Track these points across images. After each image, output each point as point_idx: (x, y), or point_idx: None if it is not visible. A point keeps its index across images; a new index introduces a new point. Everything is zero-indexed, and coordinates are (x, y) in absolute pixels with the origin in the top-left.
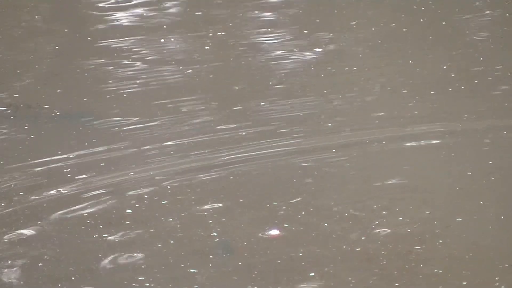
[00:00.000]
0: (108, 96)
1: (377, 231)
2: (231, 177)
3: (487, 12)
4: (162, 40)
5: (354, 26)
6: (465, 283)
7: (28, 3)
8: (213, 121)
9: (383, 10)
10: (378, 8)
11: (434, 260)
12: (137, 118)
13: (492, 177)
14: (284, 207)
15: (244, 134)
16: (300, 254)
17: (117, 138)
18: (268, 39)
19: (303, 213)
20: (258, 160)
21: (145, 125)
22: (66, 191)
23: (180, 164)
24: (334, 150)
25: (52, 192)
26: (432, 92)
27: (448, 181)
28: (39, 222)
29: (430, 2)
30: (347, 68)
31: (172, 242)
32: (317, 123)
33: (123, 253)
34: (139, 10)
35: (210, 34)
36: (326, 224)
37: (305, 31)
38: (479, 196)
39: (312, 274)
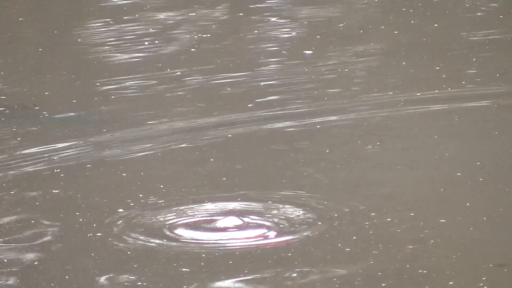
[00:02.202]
0: (96, 98)
1: (368, 232)
2: (225, 178)
3: (479, 14)
4: (147, 43)
5: (341, 28)
6: (451, 283)
7: (14, 5)
8: (202, 124)
9: (372, 12)
10: (366, 11)
11: (421, 261)
12: (125, 120)
13: (480, 178)
14: (280, 207)
15: (230, 135)
16: (290, 254)
17: (106, 139)
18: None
19: (297, 212)
20: (253, 159)
21: (135, 126)
22: (58, 191)
23: (174, 164)
24: (327, 150)
25: (45, 192)
26: (418, 94)
27: (439, 182)
28: (32, 221)
29: (420, 4)
30: (339, 70)
31: (165, 241)
32: (308, 128)
33: (115, 252)
34: (126, 12)
35: (196, 37)
36: (319, 223)
37: (293, 33)
38: (466, 197)
39: (295, 275)
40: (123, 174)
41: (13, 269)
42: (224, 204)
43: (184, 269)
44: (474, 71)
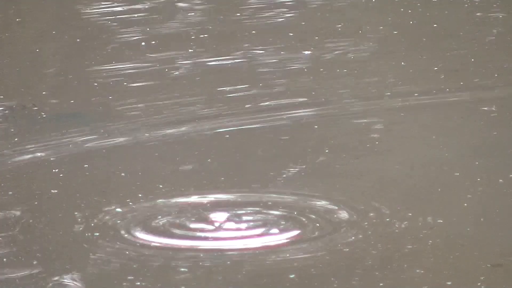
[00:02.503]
0: (93, 98)
1: (366, 232)
2: (222, 178)
3: (478, 14)
4: (143, 43)
5: (340, 29)
6: (449, 283)
7: (11, 5)
8: (200, 123)
9: (368, 13)
10: (363, 11)
11: (419, 261)
12: (123, 120)
13: (478, 178)
14: (278, 207)
15: (228, 136)
16: (287, 255)
17: (104, 138)
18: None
19: (295, 213)
20: (251, 158)
21: (133, 126)
22: (56, 191)
23: (173, 164)
24: (327, 150)
25: (44, 192)
26: (415, 95)
27: (437, 182)
28: (30, 221)
29: (418, 4)
30: (338, 70)
31: (164, 241)
32: (306, 128)
33: (114, 252)
34: (122, 11)
35: (193, 37)
36: (317, 225)
37: (291, 34)
38: (464, 198)
39: (293, 275)
40: (122, 174)
41: (11, 270)
42: (223, 204)
43: (182, 269)
44: (472, 72)
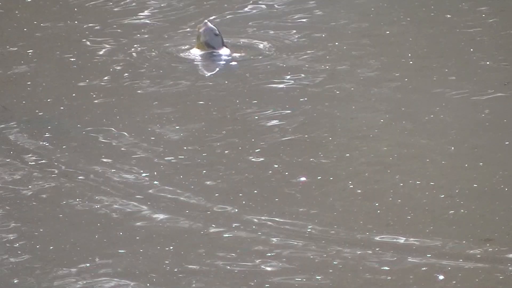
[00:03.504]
0: (81, 109)
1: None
2: (236, 189)
3: (478, 12)
4: (138, 46)
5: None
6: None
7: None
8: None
9: (362, 16)
10: (356, 13)
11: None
12: (98, 125)
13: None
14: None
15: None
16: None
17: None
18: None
19: (292, 216)
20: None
21: (112, 130)
22: (69, 185)
23: (170, 164)
24: (334, 157)
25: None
26: (426, 118)
27: (438, 190)
28: (35, 233)
29: (416, 3)
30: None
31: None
32: (305, 133)
33: (113, 256)
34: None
35: (190, 33)
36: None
37: (285, 32)
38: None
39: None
40: (121, 171)
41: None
42: None
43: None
44: (474, 77)
